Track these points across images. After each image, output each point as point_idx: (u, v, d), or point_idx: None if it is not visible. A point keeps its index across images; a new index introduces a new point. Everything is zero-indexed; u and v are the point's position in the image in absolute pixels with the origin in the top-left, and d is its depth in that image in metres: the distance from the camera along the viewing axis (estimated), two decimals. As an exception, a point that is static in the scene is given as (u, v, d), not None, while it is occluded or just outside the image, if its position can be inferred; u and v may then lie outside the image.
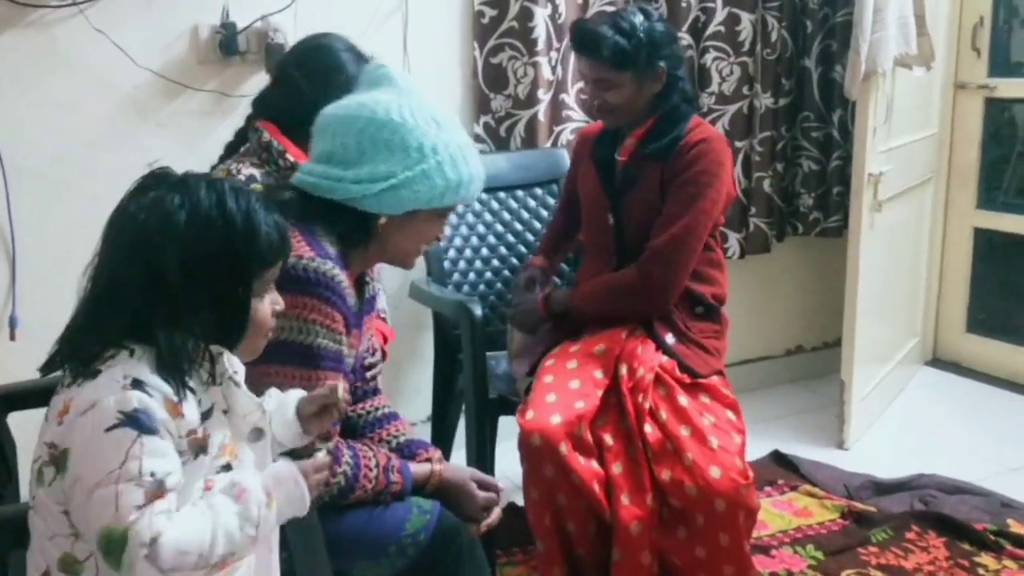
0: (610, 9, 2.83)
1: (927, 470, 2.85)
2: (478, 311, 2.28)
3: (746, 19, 3.16)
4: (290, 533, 1.49)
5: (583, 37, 2.19)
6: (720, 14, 3.13)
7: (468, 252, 2.68)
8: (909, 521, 2.57)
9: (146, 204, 1.14)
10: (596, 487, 1.99)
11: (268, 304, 1.24)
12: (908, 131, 3.28)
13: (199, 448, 1.15)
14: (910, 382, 3.65)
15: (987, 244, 3.78)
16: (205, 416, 1.17)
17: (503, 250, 2.71)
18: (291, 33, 2.55)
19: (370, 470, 1.58)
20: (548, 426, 1.99)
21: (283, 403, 1.38)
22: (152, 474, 1.07)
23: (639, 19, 2.16)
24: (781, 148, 3.38)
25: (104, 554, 1.07)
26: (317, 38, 2.02)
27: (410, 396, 2.93)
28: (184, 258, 1.12)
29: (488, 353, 2.36)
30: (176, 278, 1.12)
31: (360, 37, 2.66)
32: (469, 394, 2.34)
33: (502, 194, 2.76)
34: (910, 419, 3.36)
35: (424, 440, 1.80)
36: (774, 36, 3.23)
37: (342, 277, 1.49)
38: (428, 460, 1.72)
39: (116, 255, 1.14)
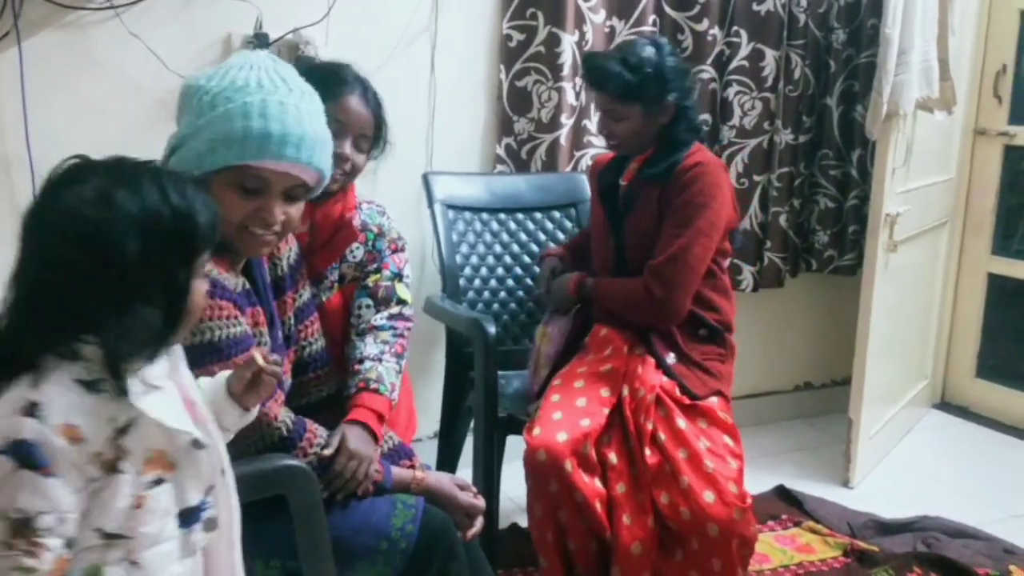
0: (629, 38, 2.87)
1: (931, 512, 2.85)
2: (491, 329, 2.30)
3: (770, 56, 3.19)
4: (298, 536, 1.52)
5: (592, 71, 2.26)
6: (745, 49, 3.16)
7: (484, 271, 2.70)
8: (911, 562, 2.56)
9: (90, 197, 1.10)
10: (598, 506, 2.01)
11: (200, 287, 1.20)
12: (926, 174, 3.29)
13: (109, 467, 1.11)
14: (918, 424, 3.64)
15: (1000, 290, 3.78)
16: (123, 431, 1.12)
17: (518, 270, 2.73)
18: (322, 46, 2.59)
19: None
20: (554, 443, 2.01)
21: (215, 387, 1.36)
22: (21, 510, 1.04)
23: (649, 53, 2.21)
24: (799, 184, 3.40)
25: None
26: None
27: (419, 412, 2.93)
28: (142, 246, 1.10)
29: (499, 372, 2.38)
30: (136, 268, 1.09)
31: (389, 54, 2.74)
32: (479, 412, 2.35)
33: (520, 215, 2.79)
34: (916, 461, 3.35)
35: (408, 448, 1.80)
36: (797, 73, 3.26)
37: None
38: (412, 467, 1.74)
39: (60, 250, 1.09)
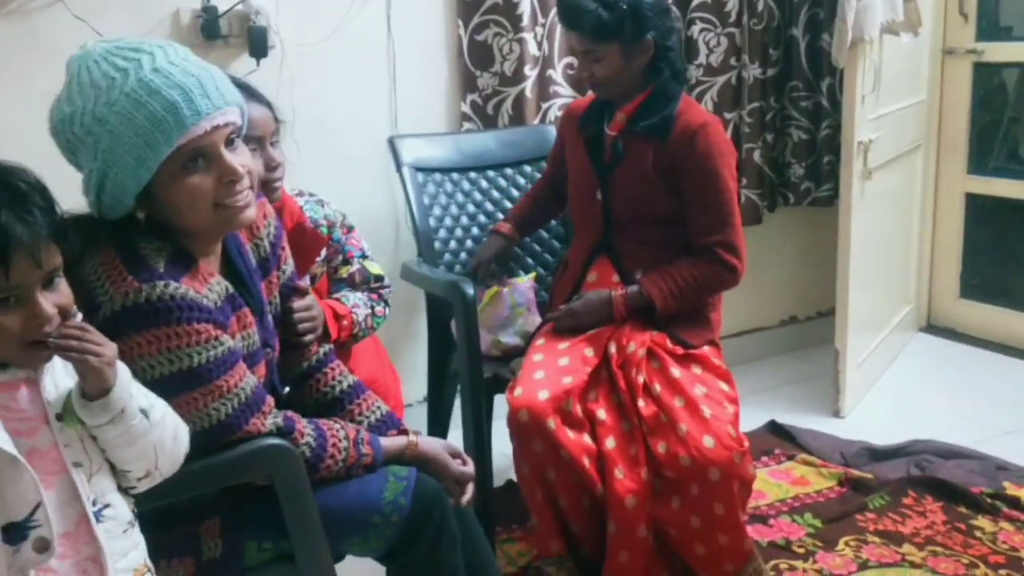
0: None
1: (923, 436, 2.86)
2: (470, 290, 2.28)
3: (732, -11, 3.14)
4: (286, 515, 1.50)
5: (566, 10, 2.20)
6: (706, -15, 3.11)
7: (458, 231, 2.67)
8: (906, 487, 2.58)
9: None
10: (586, 461, 2.00)
11: None
12: (897, 98, 3.26)
13: None
14: (904, 349, 3.65)
15: (979, 209, 3.78)
16: None
17: (493, 228, 2.70)
18: (273, 15, 2.54)
19: (339, 441, 1.56)
20: (536, 402, 2.01)
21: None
22: None
23: None
24: (770, 118, 3.37)
25: None
26: None
27: (405, 377, 2.89)
28: None
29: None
30: None
31: (343, 17, 2.68)
32: (463, 374, 2.34)
33: (491, 172, 2.74)
34: (905, 386, 3.37)
35: (397, 418, 1.78)
36: (760, 6, 3.21)
37: (179, 289, 1.38)
38: (403, 433, 1.71)
39: None
